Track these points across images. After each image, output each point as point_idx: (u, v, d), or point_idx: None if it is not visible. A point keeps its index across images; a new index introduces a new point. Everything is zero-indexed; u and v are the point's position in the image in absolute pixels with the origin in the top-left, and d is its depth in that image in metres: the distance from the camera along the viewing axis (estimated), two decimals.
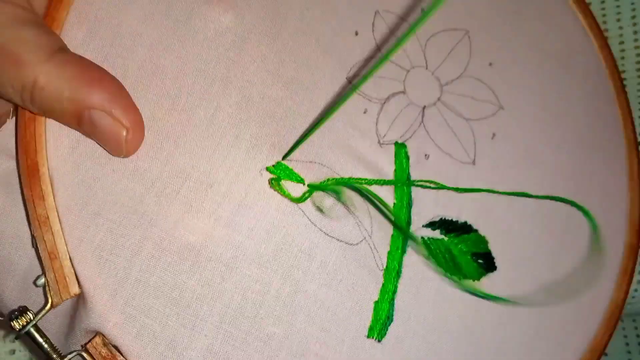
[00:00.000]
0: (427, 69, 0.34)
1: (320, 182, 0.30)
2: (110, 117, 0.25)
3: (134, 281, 0.27)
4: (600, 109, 0.40)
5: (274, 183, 0.29)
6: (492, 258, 0.33)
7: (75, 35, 0.28)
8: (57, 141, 0.27)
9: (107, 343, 0.26)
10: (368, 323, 0.30)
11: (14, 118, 0.28)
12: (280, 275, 0.28)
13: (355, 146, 0.31)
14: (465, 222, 0.33)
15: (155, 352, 0.27)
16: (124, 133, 0.26)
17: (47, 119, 0.27)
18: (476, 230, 0.33)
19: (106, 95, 0.25)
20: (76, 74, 0.25)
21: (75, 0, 0.28)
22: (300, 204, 0.29)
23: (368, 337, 0.30)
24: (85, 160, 0.27)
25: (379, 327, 0.30)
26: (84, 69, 0.25)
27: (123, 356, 0.27)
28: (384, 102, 0.33)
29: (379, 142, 0.32)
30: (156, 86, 0.28)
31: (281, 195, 0.29)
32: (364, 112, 0.32)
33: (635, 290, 0.51)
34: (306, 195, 0.29)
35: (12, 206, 0.28)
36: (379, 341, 0.30)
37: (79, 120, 0.26)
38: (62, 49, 0.26)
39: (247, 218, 0.28)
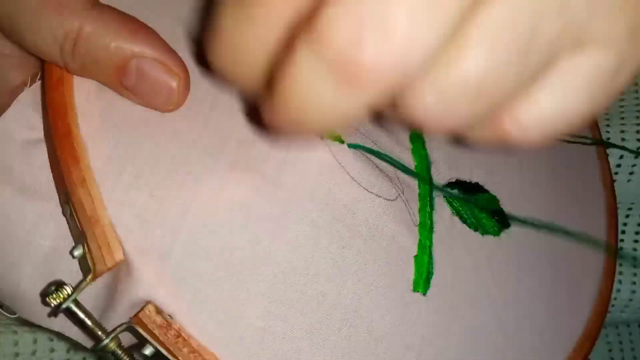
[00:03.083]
0: None
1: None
2: (161, 65, 0.25)
3: (184, 244, 0.25)
4: None
5: None
6: (505, 215, 0.35)
7: None
8: (88, 106, 0.26)
9: (161, 311, 0.24)
10: (412, 277, 0.30)
11: (30, 87, 0.26)
12: (326, 230, 0.28)
13: None
14: (477, 183, 0.35)
15: (212, 319, 0.25)
16: (177, 81, 0.25)
17: (75, 83, 0.26)
18: (487, 191, 0.35)
19: (154, 43, 0.25)
20: (120, 23, 0.24)
21: None
22: (341, 160, 0.29)
23: (414, 291, 0.30)
24: (119, 123, 0.26)
25: (423, 281, 0.30)
26: (127, 18, 0.25)
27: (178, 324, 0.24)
28: None
29: None
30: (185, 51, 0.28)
31: (326, 138, 0.29)
32: None
33: (615, 298, 0.49)
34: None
35: None
36: (424, 295, 0.30)
37: (123, 72, 0.24)
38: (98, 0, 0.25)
39: (291, 174, 0.28)
